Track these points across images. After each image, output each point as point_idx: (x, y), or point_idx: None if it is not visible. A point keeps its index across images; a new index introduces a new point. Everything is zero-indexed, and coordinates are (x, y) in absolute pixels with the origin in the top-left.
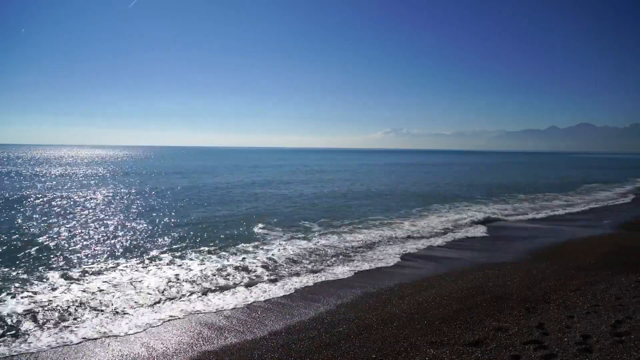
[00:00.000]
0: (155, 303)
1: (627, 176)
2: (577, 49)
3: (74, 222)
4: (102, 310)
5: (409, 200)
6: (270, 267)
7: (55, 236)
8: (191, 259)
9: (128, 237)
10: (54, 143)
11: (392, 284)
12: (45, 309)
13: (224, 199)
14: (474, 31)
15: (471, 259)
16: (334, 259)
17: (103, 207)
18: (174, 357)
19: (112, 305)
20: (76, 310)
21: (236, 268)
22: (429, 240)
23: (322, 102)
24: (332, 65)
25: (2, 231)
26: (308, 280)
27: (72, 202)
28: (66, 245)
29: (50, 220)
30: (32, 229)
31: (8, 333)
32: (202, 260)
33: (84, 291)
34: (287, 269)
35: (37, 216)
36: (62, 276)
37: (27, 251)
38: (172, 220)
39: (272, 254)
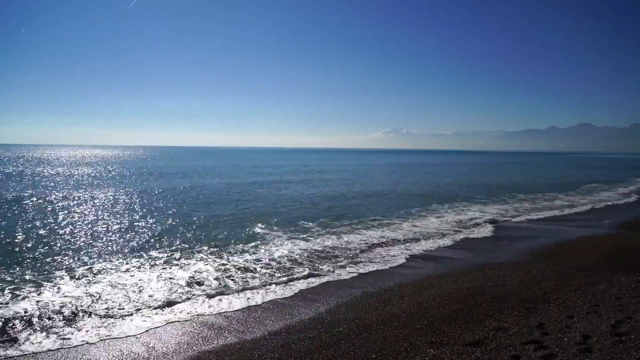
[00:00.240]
0: (156, 304)
1: (627, 176)
2: (577, 49)
3: (75, 223)
4: (103, 311)
5: (408, 201)
6: (270, 268)
7: (56, 237)
8: (192, 260)
9: (129, 238)
10: (54, 143)
11: (392, 284)
12: (47, 310)
13: (224, 199)
14: (474, 31)
15: (471, 259)
16: (334, 259)
17: (104, 208)
18: (174, 357)
19: (114, 306)
20: (77, 311)
21: (237, 269)
22: (429, 240)
23: (322, 102)
24: (332, 65)
25: (3, 232)
26: (308, 280)
27: (72, 203)
28: (67, 246)
29: (51, 221)
30: (33, 230)
31: (10, 334)
32: (203, 260)
33: (85, 292)
34: (287, 270)
35: (38, 217)
36: (63, 277)
37: (28, 252)
38: (173, 220)
39: (273, 255)
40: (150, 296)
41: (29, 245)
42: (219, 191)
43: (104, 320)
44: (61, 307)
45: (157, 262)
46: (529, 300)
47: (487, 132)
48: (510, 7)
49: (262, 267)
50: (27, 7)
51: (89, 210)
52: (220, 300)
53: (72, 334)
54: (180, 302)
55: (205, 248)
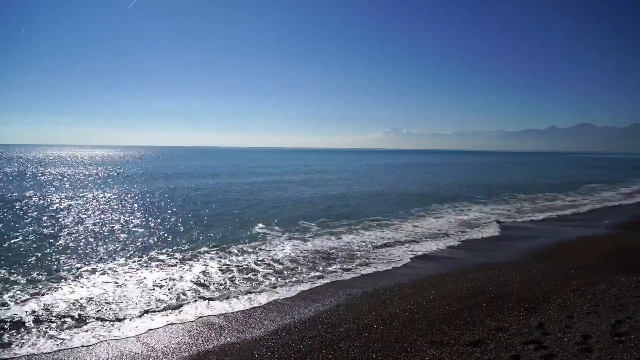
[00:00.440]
0: (156, 304)
1: (627, 176)
2: (577, 49)
3: (75, 223)
4: (103, 312)
5: (408, 201)
6: (270, 268)
7: (56, 238)
8: (192, 260)
9: (129, 239)
10: (54, 143)
11: (392, 284)
12: (47, 311)
13: (224, 200)
14: (474, 31)
15: (471, 259)
16: (333, 259)
17: (104, 208)
18: (175, 357)
19: (114, 306)
20: (78, 312)
21: (237, 269)
22: (429, 240)
23: (322, 102)
24: (332, 65)
25: (3, 232)
26: (309, 281)
27: (72, 204)
28: (67, 247)
29: (52, 222)
30: (33, 230)
31: (10, 335)
32: (204, 261)
33: (86, 293)
34: (287, 270)
35: (39, 218)
36: (64, 278)
37: (29, 253)
38: (173, 221)
39: (273, 255)
40: (151, 297)
41: (29, 246)
42: (219, 191)
43: (104, 320)
44: (62, 308)
45: (158, 263)
46: (529, 300)
47: (487, 132)
48: (510, 7)
49: (262, 268)
50: (27, 7)
51: (89, 211)
52: (220, 300)
53: (73, 334)
54: (180, 303)
55: (206, 248)
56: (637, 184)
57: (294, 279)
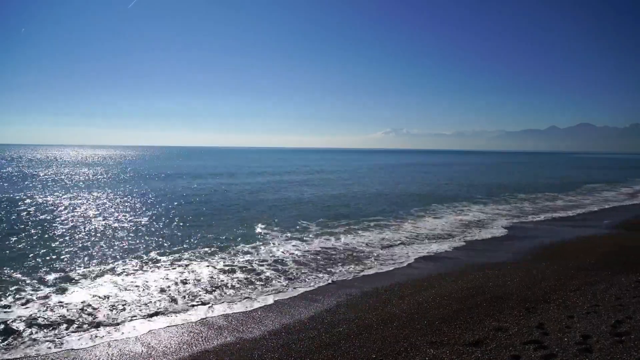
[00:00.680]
0: (157, 305)
1: (628, 176)
2: (577, 49)
3: (75, 224)
4: (104, 313)
5: (408, 201)
6: (270, 269)
7: (57, 239)
8: (193, 261)
9: (129, 239)
10: (54, 143)
11: (392, 284)
12: (48, 312)
13: (224, 200)
14: (474, 31)
15: (471, 259)
16: (333, 259)
17: (104, 209)
18: (175, 357)
19: (115, 307)
20: (79, 313)
21: (238, 270)
22: (429, 241)
23: (322, 102)
24: (332, 65)
25: (4, 233)
26: (309, 281)
27: (72, 204)
28: (68, 247)
29: (52, 223)
30: (34, 231)
31: (11, 337)
32: (204, 261)
33: (86, 294)
34: (287, 270)
35: (40, 218)
36: (65, 279)
37: (29, 254)
38: (173, 221)
39: (273, 255)
40: (151, 297)
41: (29, 247)
42: (219, 191)
43: (105, 321)
44: (62, 309)
45: (158, 264)
46: (529, 300)
47: (487, 132)
48: (510, 7)
49: (262, 268)
50: (27, 7)
51: (89, 212)
52: (220, 300)
53: (73, 335)
54: (180, 303)
55: (206, 249)
56: (639, 183)
57: (294, 279)
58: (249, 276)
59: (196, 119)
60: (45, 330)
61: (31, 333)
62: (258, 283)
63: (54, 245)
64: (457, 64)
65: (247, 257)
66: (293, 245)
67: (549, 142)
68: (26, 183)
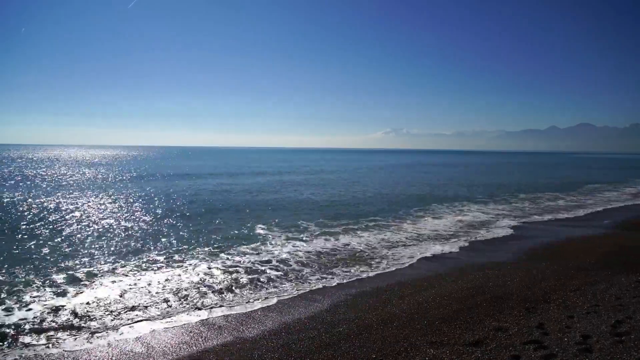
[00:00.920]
0: (157, 305)
1: (628, 176)
2: (577, 49)
3: (75, 225)
4: (104, 313)
5: (408, 201)
6: (270, 269)
7: (57, 240)
8: (193, 262)
9: (130, 240)
10: (54, 143)
11: (392, 283)
12: (48, 313)
13: (224, 200)
14: (474, 31)
15: (471, 259)
16: (333, 260)
17: (104, 210)
18: (175, 357)
19: (115, 308)
20: (79, 313)
21: (238, 270)
22: (429, 241)
23: (322, 102)
24: (332, 65)
25: (5, 234)
26: (309, 281)
27: (72, 205)
28: (68, 248)
29: (53, 224)
30: (35, 232)
31: (11, 338)
32: (204, 262)
33: (86, 295)
34: (287, 271)
35: (40, 219)
36: (64, 280)
37: (30, 255)
38: (174, 221)
39: (273, 256)
40: (151, 298)
41: (31, 248)
42: (219, 191)
43: (105, 321)
44: (62, 309)
45: (158, 264)
46: (529, 300)
47: (487, 132)
48: (510, 7)
49: (262, 268)
50: (27, 7)
51: (90, 212)
52: (220, 301)
53: (73, 335)
54: (180, 303)
55: (205, 249)
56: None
57: (294, 279)
58: (248, 276)
59: (196, 119)
60: (45, 331)
61: (30, 333)
62: (258, 283)
63: (54, 246)
64: (457, 64)
65: (247, 257)
66: (293, 246)
67: (549, 142)
68: (27, 183)
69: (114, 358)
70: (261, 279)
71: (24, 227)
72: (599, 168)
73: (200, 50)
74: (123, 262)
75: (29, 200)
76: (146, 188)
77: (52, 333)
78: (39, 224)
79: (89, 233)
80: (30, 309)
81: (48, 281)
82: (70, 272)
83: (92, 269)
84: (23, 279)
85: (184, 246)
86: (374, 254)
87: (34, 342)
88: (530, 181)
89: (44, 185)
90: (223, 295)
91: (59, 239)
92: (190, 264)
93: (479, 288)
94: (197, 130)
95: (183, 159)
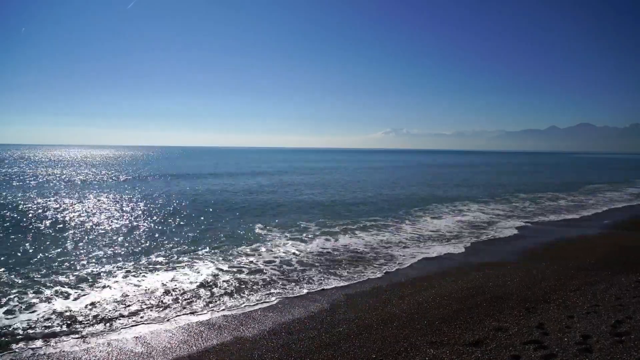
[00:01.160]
0: (157, 306)
1: (628, 176)
2: (577, 49)
3: (75, 225)
4: (104, 314)
5: (408, 201)
6: (270, 269)
7: (57, 240)
8: (194, 262)
9: (131, 241)
10: (54, 143)
11: (392, 283)
12: (48, 313)
13: (224, 200)
14: (474, 31)
15: (471, 259)
16: (333, 260)
17: (104, 210)
18: (174, 356)
19: (115, 308)
20: (79, 314)
21: (238, 271)
22: (429, 241)
23: (322, 102)
24: (332, 65)
25: (5, 235)
26: (309, 281)
27: (72, 206)
28: (68, 249)
29: (54, 225)
30: (36, 233)
31: (12, 339)
32: (202, 263)
33: (86, 295)
34: (287, 271)
35: (42, 220)
36: (64, 281)
37: (31, 256)
38: (174, 222)
39: (273, 256)
40: (151, 298)
41: (31, 249)
42: (220, 192)
43: (105, 321)
44: (62, 310)
45: (159, 265)
46: (529, 300)
47: (487, 132)
48: (510, 7)
49: (261, 268)
50: (27, 7)
51: (90, 213)
52: (220, 301)
53: (73, 335)
54: (180, 304)
55: (206, 250)
56: None
57: (294, 279)
58: (248, 276)
59: (196, 119)
60: (44, 330)
61: (30, 333)
62: (258, 283)
63: (54, 247)
64: (457, 64)
65: (247, 257)
66: (293, 246)
67: (549, 142)
68: (28, 184)
69: (114, 358)
70: (261, 279)
71: (26, 228)
72: (599, 168)
73: (200, 50)
74: (122, 262)
75: (30, 200)
76: (146, 188)
77: (53, 333)
78: (39, 224)
79: (89, 234)
80: (32, 310)
81: (49, 282)
82: (70, 273)
83: (92, 269)
84: (25, 280)
85: (184, 246)
86: (374, 254)
87: (35, 342)
88: (531, 181)
89: (45, 186)
90: (223, 295)
91: (60, 240)
92: (190, 264)
93: (479, 288)
94: (197, 130)
95: (183, 159)
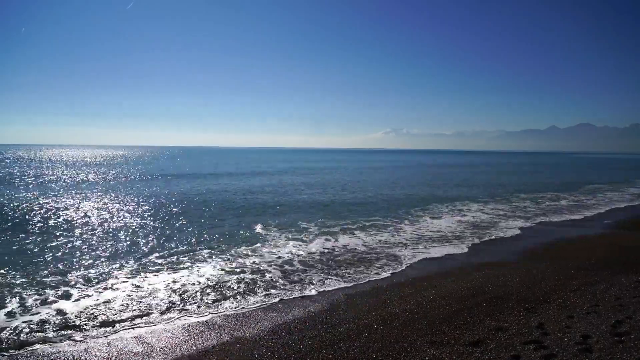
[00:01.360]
0: (158, 306)
1: (628, 176)
2: (577, 49)
3: (75, 226)
4: (105, 314)
5: (408, 201)
6: (270, 269)
7: (58, 241)
8: (190, 262)
9: (130, 242)
10: (54, 143)
11: (392, 284)
12: (48, 313)
13: (224, 200)
14: (474, 31)
15: (471, 259)
16: (334, 260)
17: (104, 211)
18: (174, 356)
19: (116, 308)
20: (79, 314)
21: (238, 271)
22: (429, 241)
23: (322, 102)
24: (332, 65)
25: (5, 235)
26: (309, 281)
27: (72, 206)
28: (68, 250)
29: (54, 225)
30: (36, 233)
31: (12, 339)
32: (202, 263)
33: (86, 296)
34: (287, 271)
35: (42, 221)
36: (64, 282)
37: (32, 256)
38: (174, 222)
39: (273, 256)
40: (150, 298)
41: (32, 249)
42: (220, 192)
43: (105, 321)
44: (62, 310)
45: (159, 265)
46: (529, 300)
47: (487, 132)
48: (510, 7)
49: (262, 269)
50: (27, 7)
51: (90, 214)
52: (220, 301)
53: (73, 335)
54: (179, 304)
55: (206, 250)
56: None
57: (294, 279)
58: (248, 276)
59: (196, 119)
60: (44, 330)
61: (30, 333)
62: (257, 283)
63: (54, 247)
64: (457, 64)
65: (247, 257)
66: (293, 246)
67: (549, 142)
68: (28, 184)
69: (114, 358)
70: (261, 279)
71: (26, 228)
72: (599, 168)
73: (200, 50)
74: (122, 263)
75: (30, 201)
76: (146, 188)
77: (53, 334)
78: (40, 224)
79: (89, 234)
80: (32, 311)
81: (50, 282)
82: (71, 273)
83: (92, 269)
84: (25, 280)
85: (184, 246)
86: (374, 254)
87: (35, 343)
88: (531, 181)
89: (45, 186)
90: (223, 296)
91: (60, 240)
92: (190, 264)
93: (479, 288)
94: (197, 130)
95: (183, 159)
